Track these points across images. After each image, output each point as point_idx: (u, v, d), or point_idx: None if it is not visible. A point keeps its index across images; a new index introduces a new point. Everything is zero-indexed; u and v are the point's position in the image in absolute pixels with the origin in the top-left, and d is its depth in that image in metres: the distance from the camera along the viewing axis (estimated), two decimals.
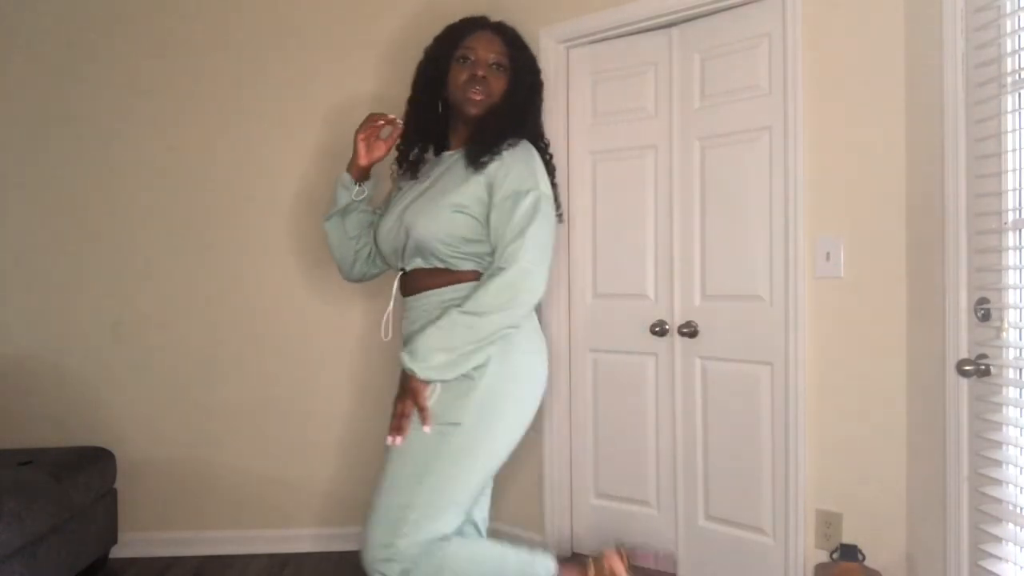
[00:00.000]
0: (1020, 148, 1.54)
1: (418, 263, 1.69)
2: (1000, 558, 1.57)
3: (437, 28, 1.86)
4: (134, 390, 2.73)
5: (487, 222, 1.64)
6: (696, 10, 2.32)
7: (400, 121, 1.78)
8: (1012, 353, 1.56)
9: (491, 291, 1.56)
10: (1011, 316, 1.57)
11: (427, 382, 1.57)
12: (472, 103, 1.71)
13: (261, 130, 2.75)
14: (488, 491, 1.85)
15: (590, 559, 1.72)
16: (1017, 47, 1.55)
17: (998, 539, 1.59)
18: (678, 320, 2.45)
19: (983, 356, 1.62)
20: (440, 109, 1.81)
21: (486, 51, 1.73)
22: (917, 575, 1.93)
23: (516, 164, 1.64)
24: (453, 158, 1.77)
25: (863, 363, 2.05)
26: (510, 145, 1.67)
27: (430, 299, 1.67)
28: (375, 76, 2.75)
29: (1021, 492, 1.53)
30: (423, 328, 1.60)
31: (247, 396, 2.76)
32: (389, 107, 1.89)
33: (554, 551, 2.58)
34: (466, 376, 1.59)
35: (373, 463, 1.90)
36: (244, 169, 2.75)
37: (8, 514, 1.95)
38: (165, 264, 2.74)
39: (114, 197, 2.73)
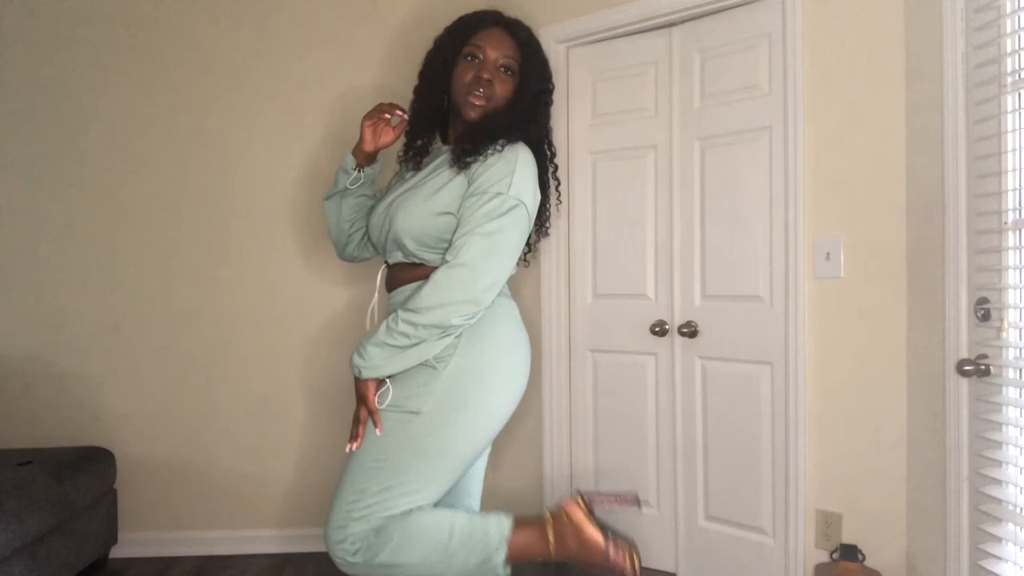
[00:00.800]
0: (1020, 148, 1.55)
1: (398, 257, 1.70)
2: (1000, 558, 1.57)
3: (446, 16, 1.81)
4: (134, 390, 2.73)
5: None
6: (696, 10, 2.32)
7: (406, 115, 1.78)
8: (1012, 353, 1.56)
9: (431, 286, 1.54)
10: (1011, 316, 1.58)
11: (369, 381, 1.58)
12: (471, 107, 1.66)
13: (262, 129, 2.75)
14: (476, 487, 1.85)
15: (548, 513, 1.69)
16: (1017, 47, 1.56)
17: (998, 539, 1.59)
18: (678, 320, 2.45)
19: (983, 356, 1.63)
20: (445, 103, 1.78)
21: (495, 51, 1.67)
22: (917, 575, 1.93)
23: (496, 164, 1.60)
24: (443, 155, 1.74)
25: (863, 363, 2.05)
26: (500, 147, 1.63)
27: (404, 294, 1.67)
28: (380, 65, 2.74)
29: (1021, 492, 1.53)
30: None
31: (247, 396, 2.76)
32: (393, 96, 1.89)
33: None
34: (427, 365, 1.59)
35: None
36: (244, 169, 2.75)
37: (8, 514, 1.95)
38: (165, 264, 2.74)
39: (114, 197, 2.73)
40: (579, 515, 1.65)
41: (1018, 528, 1.54)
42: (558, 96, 2.60)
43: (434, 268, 1.62)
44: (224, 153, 2.75)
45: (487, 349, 1.63)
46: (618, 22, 2.46)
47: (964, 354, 1.68)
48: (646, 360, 2.53)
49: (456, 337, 1.59)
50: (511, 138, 1.65)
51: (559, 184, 1.95)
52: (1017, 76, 1.55)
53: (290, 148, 2.75)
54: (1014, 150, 1.56)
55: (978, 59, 1.66)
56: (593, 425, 2.63)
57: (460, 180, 1.62)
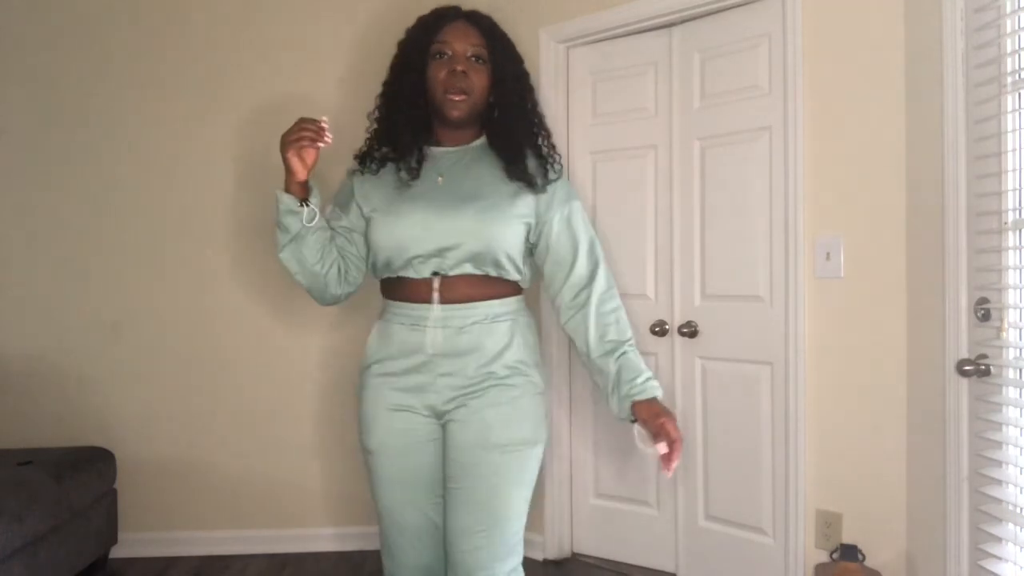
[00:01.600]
0: (1020, 148, 1.55)
1: (467, 269, 1.55)
2: (1000, 558, 1.57)
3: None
4: (134, 390, 2.73)
5: (531, 239, 1.63)
6: (696, 10, 2.32)
7: (327, 122, 1.53)
8: (1012, 353, 1.56)
9: (622, 312, 1.64)
10: (1011, 316, 1.57)
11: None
12: (452, 105, 1.58)
13: (261, 127, 2.75)
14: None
15: None
16: (1017, 47, 1.55)
17: (998, 539, 1.59)
18: (678, 320, 2.44)
19: (983, 356, 1.62)
20: (423, 105, 1.66)
21: (462, 43, 1.60)
22: (917, 575, 1.93)
23: (563, 176, 1.69)
24: (465, 157, 1.65)
25: (863, 363, 2.04)
26: (556, 159, 1.68)
27: (478, 310, 1.56)
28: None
29: (1021, 492, 1.53)
30: (478, 342, 1.54)
31: (247, 396, 2.76)
32: (322, 109, 1.68)
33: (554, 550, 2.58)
34: (538, 392, 1.61)
35: None
36: (242, 169, 2.75)
37: (8, 514, 1.95)
38: (165, 264, 2.74)
39: (114, 197, 2.73)
40: None
41: (1018, 528, 1.54)
42: (558, 96, 2.62)
43: (507, 282, 1.60)
44: (225, 153, 2.75)
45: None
46: (618, 22, 2.46)
47: (964, 354, 1.68)
48: (646, 360, 2.51)
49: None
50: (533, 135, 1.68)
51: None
52: (1017, 76, 1.55)
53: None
54: (1014, 150, 1.55)
55: (978, 59, 1.66)
56: (593, 425, 2.63)
57: (526, 195, 1.60)
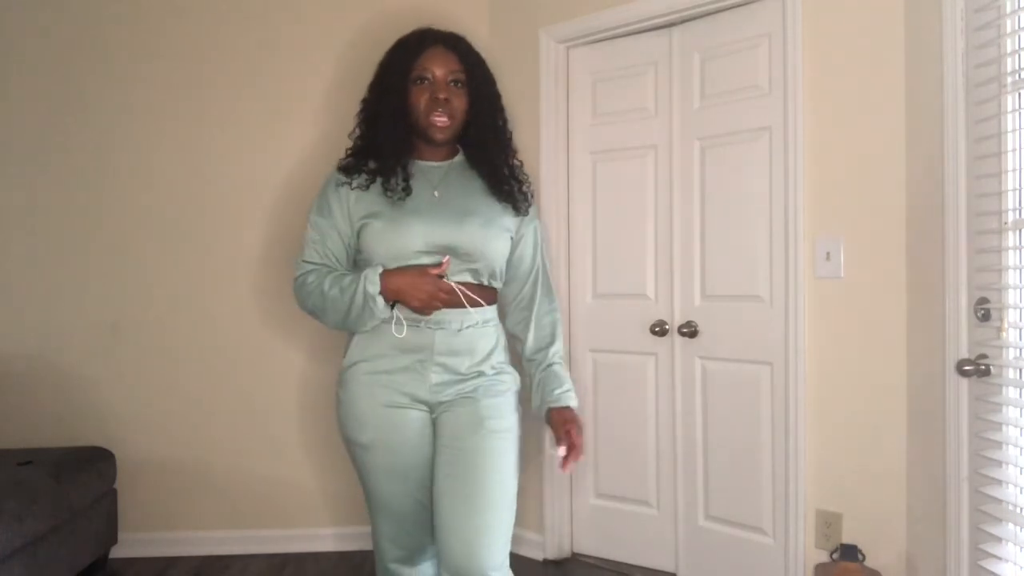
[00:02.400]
0: (1020, 148, 1.55)
1: (466, 278, 1.68)
2: (1000, 558, 1.57)
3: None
4: (134, 390, 2.73)
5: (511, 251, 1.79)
6: (696, 10, 2.32)
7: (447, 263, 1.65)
8: (1012, 353, 1.56)
9: (558, 325, 1.88)
10: (1011, 316, 1.58)
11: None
12: (437, 129, 1.69)
13: (260, 129, 2.75)
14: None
15: None
16: (1017, 47, 1.56)
17: (998, 539, 1.59)
18: (678, 320, 2.45)
19: (983, 356, 1.63)
20: (405, 125, 1.75)
21: (442, 69, 1.70)
22: (917, 575, 1.93)
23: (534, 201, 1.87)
24: (452, 172, 1.76)
25: (863, 363, 2.05)
26: (526, 178, 1.84)
27: (472, 315, 1.68)
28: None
29: (1021, 492, 1.54)
30: (472, 344, 1.68)
31: (247, 396, 2.76)
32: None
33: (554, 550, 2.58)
34: (512, 392, 1.74)
35: None
36: (243, 169, 2.75)
37: (8, 514, 1.95)
38: (165, 264, 2.74)
39: (114, 197, 2.73)
40: None
41: (1018, 528, 1.54)
42: (558, 96, 2.63)
43: (494, 290, 1.77)
44: (224, 153, 2.75)
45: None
46: (618, 22, 2.46)
47: (964, 354, 1.68)
48: (646, 360, 2.53)
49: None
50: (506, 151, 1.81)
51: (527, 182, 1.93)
52: (1017, 76, 1.55)
53: (287, 144, 2.74)
54: (1014, 150, 1.55)
55: (978, 59, 1.66)
56: (593, 425, 2.63)
57: (511, 214, 1.77)
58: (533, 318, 1.83)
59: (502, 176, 1.77)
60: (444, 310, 1.64)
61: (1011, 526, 1.56)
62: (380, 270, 1.62)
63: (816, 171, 2.11)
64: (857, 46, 2.04)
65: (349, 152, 1.78)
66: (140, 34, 2.74)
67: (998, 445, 1.60)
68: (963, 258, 1.69)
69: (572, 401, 1.78)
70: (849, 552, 2.00)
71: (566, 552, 2.68)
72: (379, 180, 1.69)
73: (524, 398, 1.80)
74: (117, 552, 2.69)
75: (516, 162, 1.83)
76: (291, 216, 2.72)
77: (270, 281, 2.75)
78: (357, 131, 1.79)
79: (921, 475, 1.90)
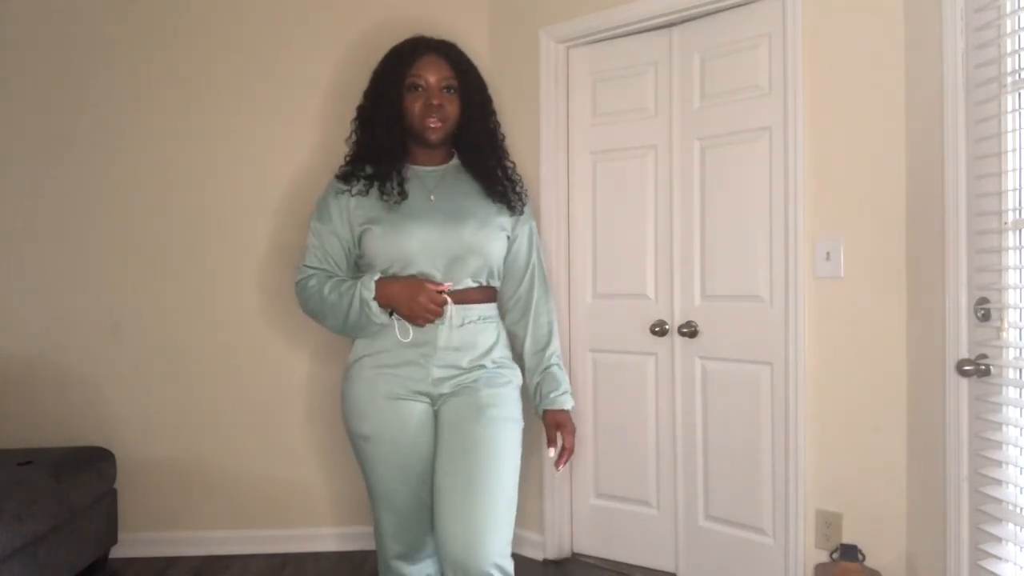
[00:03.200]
0: (1020, 148, 1.55)
1: (467, 284, 1.74)
2: (1000, 558, 1.57)
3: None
4: (134, 390, 2.73)
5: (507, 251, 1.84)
6: (696, 10, 2.32)
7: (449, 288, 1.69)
8: (1012, 353, 1.56)
9: (556, 327, 1.92)
10: (1011, 316, 1.58)
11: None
12: (431, 131, 1.75)
13: (260, 131, 2.75)
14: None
15: None
16: (1017, 47, 1.56)
17: (998, 539, 1.59)
18: (678, 320, 2.45)
19: (983, 356, 1.63)
20: (399, 130, 1.80)
21: (435, 76, 1.76)
22: (917, 575, 1.93)
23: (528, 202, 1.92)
24: (447, 176, 1.83)
25: (863, 363, 2.05)
26: (521, 182, 1.90)
27: (474, 311, 1.75)
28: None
29: (1021, 492, 1.54)
30: (473, 339, 1.73)
31: (247, 396, 2.76)
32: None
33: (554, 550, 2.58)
34: (514, 385, 1.79)
35: None
36: (243, 170, 2.75)
37: (8, 514, 1.95)
38: (166, 264, 2.74)
39: (114, 197, 2.73)
40: None
41: (1018, 528, 1.54)
42: (558, 96, 2.62)
43: (492, 288, 1.82)
44: (225, 154, 2.75)
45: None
46: (618, 22, 2.46)
47: (964, 354, 1.68)
48: (646, 360, 2.53)
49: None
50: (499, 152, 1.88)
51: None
52: (1017, 76, 1.55)
53: (290, 145, 2.75)
54: (1014, 150, 1.55)
55: (978, 59, 1.66)
56: (593, 425, 2.63)
57: (506, 215, 1.82)
58: (531, 317, 1.88)
59: (496, 178, 1.83)
60: (444, 306, 1.68)
61: (1011, 526, 1.56)
62: (376, 276, 1.67)
63: (816, 171, 2.11)
64: (857, 46, 2.04)
65: (347, 159, 1.85)
66: (142, 37, 2.73)
67: (998, 445, 1.60)
68: (963, 258, 1.69)
69: (567, 404, 1.84)
70: (849, 552, 2.00)
71: (566, 552, 2.68)
72: (376, 185, 1.75)
73: (525, 395, 1.83)
74: (117, 552, 2.69)
75: (509, 164, 1.90)
76: (294, 216, 2.72)
77: (272, 281, 2.75)
78: (353, 136, 1.86)
79: (921, 475, 1.90)
